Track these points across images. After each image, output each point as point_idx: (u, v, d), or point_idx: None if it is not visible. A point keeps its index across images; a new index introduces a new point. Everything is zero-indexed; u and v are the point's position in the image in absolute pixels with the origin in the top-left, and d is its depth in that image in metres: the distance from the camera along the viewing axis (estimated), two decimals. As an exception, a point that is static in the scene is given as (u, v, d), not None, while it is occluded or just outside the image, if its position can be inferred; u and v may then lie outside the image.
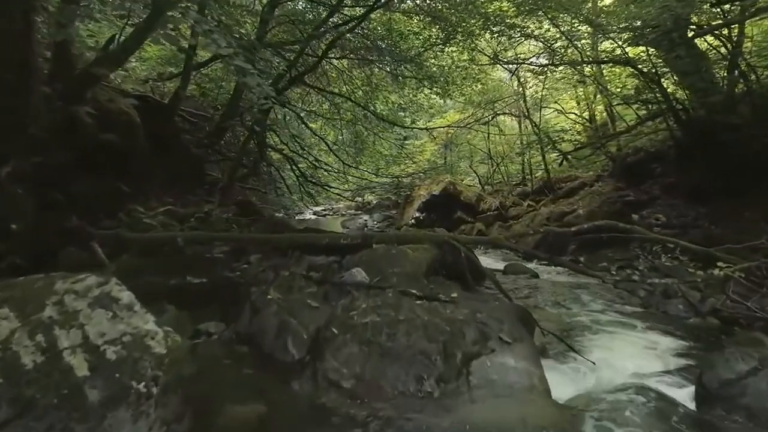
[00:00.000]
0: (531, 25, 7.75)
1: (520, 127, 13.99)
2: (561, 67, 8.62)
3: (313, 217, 17.85)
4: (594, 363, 2.93)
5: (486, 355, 1.90)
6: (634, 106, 8.34)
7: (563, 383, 2.50)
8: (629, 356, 3.11)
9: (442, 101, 13.97)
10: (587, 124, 11.38)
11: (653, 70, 7.26)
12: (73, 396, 1.29)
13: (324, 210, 19.92)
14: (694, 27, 6.70)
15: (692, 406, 2.21)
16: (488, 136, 14.22)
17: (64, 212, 3.56)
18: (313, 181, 10.17)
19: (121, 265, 3.39)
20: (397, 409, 1.75)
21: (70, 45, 3.93)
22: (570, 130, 11.10)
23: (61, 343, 1.39)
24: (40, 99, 3.23)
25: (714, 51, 7.10)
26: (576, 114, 12.07)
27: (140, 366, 1.42)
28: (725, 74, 6.85)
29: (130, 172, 4.89)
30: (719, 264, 3.73)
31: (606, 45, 9.43)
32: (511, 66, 10.67)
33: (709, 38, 7.18)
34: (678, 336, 3.67)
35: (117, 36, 4.66)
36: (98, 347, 1.42)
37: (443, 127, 13.43)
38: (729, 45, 6.54)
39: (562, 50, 7.83)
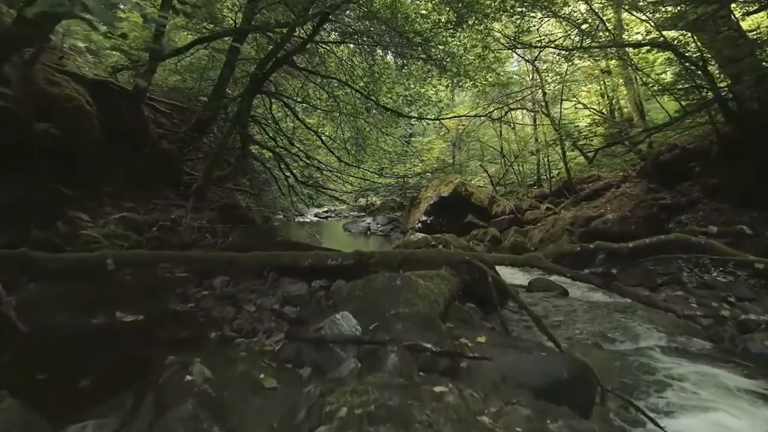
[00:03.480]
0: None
1: (534, 123, 12.96)
2: (587, 54, 7.63)
3: (315, 219, 17.07)
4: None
5: None
6: (672, 97, 7.34)
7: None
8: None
9: (451, 95, 13.03)
10: (612, 118, 10.35)
11: (698, 54, 6.29)
12: None
13: (326, 212, 19.28)
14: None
15: None
16: (501, 133, 13.25)
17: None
18: (306, 182, 9.20)
19: (27, 296, 2.51)
20: None
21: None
22: (600, 124, 10.03)
23: None
24: None
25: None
26: (595, 109, 11.06)
27: None
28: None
29: (77, 171, 4.00)
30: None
31: (636, 29, 8.47)
32: (528, 55, 9.67)
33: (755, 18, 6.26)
34: (781, 388, 2.74)
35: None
36: None
37: (453, 117, 12.45)
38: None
39: (591, 31, 6.83)
